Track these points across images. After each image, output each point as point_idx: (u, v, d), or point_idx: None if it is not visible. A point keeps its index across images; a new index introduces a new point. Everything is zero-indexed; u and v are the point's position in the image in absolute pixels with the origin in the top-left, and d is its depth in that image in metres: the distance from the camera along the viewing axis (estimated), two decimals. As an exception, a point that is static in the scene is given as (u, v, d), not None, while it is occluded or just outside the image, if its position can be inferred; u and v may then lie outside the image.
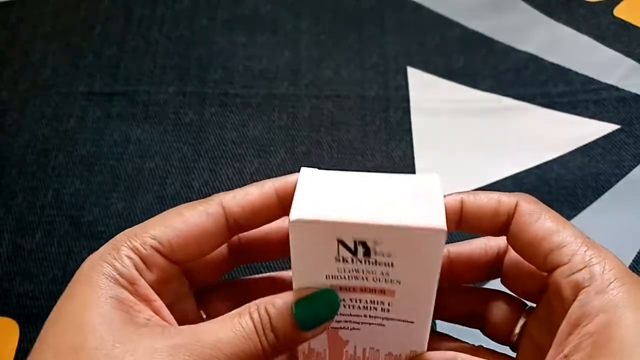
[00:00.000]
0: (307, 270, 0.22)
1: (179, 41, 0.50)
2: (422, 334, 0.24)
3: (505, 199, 0.24)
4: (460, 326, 0.28)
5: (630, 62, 0.47)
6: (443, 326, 0.29)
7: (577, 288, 0.21)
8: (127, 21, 0.51)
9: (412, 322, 0.24)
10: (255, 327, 0.22)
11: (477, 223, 0.25)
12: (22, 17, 0.52)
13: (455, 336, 0.27)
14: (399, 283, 0.22)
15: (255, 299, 0.23)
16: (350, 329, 0.24)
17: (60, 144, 0.44)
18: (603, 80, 0.47)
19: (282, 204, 0.24)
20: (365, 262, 0.22)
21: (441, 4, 0.52)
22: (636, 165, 0.42)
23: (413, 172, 0.43)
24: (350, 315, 0.24)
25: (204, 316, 0.27)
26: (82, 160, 0.43)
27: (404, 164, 0.43)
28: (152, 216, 0.24)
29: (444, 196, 0.23)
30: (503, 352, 0.26)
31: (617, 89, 0.46)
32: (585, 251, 0.22)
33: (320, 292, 0.23)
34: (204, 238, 0.24)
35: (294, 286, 0.23)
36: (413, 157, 0.43)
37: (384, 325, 0.24)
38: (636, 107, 0.45)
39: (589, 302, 0.21)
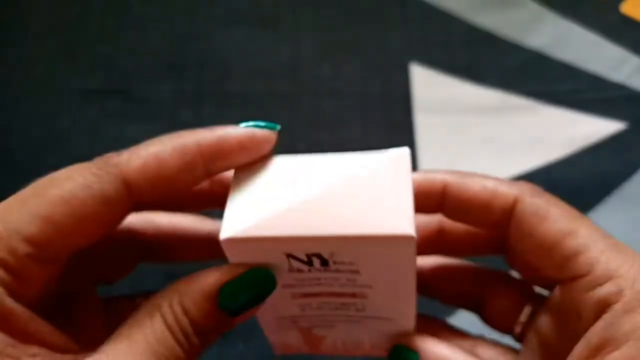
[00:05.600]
0: None
1: (176, 38, 0.49)
2: (407, 325, 0.22)
3: (503, 191, 0.20)
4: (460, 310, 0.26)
5: (637, 59, 0.47)
6: (436, 309, 0.26)
7: (601, 306, 0.17)
8: (122, 17, 0.50)
9: (393, 319, 0.21)
10: (172, 333, 0.17)
11: (463, 215, 0.21)
12: (15, 14, 0.51)
13: (454, 322, 0.25)
14: (370, 287, 0.19)
15: None
16: (325, 327, 0.22)
17: (54, 143, 0.43)
18: (610, 78, 0.46)
19: (210, 166, 0.19)
20: (325, 271, 0.18)
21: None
22: (644, 164, 0.41)
23: (415, 170, 0.42)
24: (321, 316, 0.21)
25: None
26: (77, 158, 0.42)
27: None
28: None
29: (424, 173, 0.20)
30: (508, 343, 0.23)
31: (625, 87, 0.45)
32: (609, 257, 0.18)
33: (250, 273, 0.18)
34: (98, 227, 0.18)
35: None
36: (416, 156, 0.43)
37: (360, 322, 0.21)
38: (644, 106, 0.44)
39: (616, 323, 0.17)
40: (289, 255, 0.18)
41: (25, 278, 0.17)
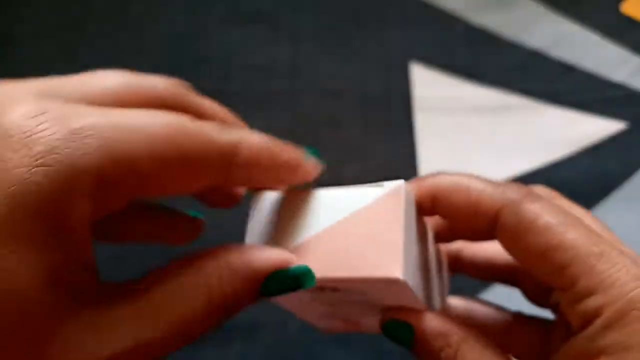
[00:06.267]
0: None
1: (175, 37, 0.49)
2: (436, 305, 0.22)
3: (486, 201, 0.20)
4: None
5: (637, 59, 0.47)
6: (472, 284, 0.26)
7: (584, 319, 0.17)
8: (122, 17, 0.50)
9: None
10: (210, 309, 0.17)
11: (454, 223, 0.21)
12: (15, 15, 0.51)
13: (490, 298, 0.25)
14: (383, 299, 0.20)
15: None
16: (357, 316, 0.23)
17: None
18: (610, 77, 0.46)
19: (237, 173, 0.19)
20: (335, 292, 0.20)
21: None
22: (644, 164, 0.41)
23: (415, 170, 0.42)
24: (350, 312, 0.23)
25: None
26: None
27: (407, 162, 0.43)
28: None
29: (416, 181, 0.21)
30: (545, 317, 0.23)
31: (625, 86, 0.45)
32: (593, 270, 0.17)
33: (297, 269, 0.18)
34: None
35: None
36: (415, 156, 0.43)
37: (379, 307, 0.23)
38: (644, 105, 0.44)
39: (594, 338, 0.17)
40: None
41: (108, 203, 0.16)
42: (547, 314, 0.24)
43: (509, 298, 0.26)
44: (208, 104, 0.21)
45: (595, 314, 0.17)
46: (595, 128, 0.43)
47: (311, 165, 0.20)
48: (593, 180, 0.41)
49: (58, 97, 0.17)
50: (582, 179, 0.41)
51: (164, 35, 0.49)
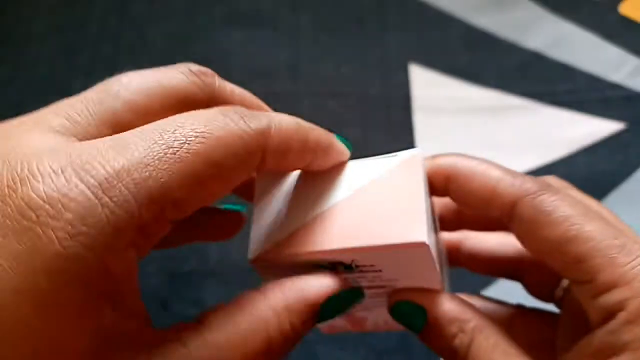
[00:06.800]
0: None
1: (176, 38, 0.49)
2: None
3: (503, 190, 0.19)
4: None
5: (635, 60, 0.47)
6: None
7: (605, 313, 0.17)
8: (123, 18, 0.50)
9: None
10: (270, 345, 0.17)
11: (467, 206, 0.20)
12: (16, 15, 0.51)
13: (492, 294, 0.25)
14: (396, 280, 0.20)
15: None
16: (364, 310, 0.23)
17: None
18: (608, 78, 0.46)
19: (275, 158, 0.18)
20: (349, 273, 0.19)
21: None
22: (642, 165, 0.41)
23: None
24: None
25: None
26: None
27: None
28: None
29: (432, 158, 0.20)
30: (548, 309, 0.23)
31: (623, 87, 0.45)
32: (612, 264, 0.17)
33: (350, 292, 0.18)
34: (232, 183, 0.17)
35: None
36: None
37: None
38: (642, 106, 0.44)
39: (618, 332, 0.17)
40: (314, 265, 0.18)
41: (152, 238, 0.15)
42: (550, 307, 0.24)
43: (511, 295, 0.25)
44: (235, 90, 0.21)
45: (618, 308, 0.17)
46: (593, 128, 0.43)
47: (342, 146, 0.20)
48: (591, 180, 0.41)
49: (76, 132, 0.16)
50: (581, 179, 0.40)
51: (165, 36, 0.49)
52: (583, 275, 0.17)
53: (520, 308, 0.24)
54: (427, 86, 0.46)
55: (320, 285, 0.18)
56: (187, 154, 0.15)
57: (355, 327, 0.24)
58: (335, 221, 0.18)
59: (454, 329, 0.19)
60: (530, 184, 0.19)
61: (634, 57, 0.47)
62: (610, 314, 0.17)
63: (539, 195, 0.19)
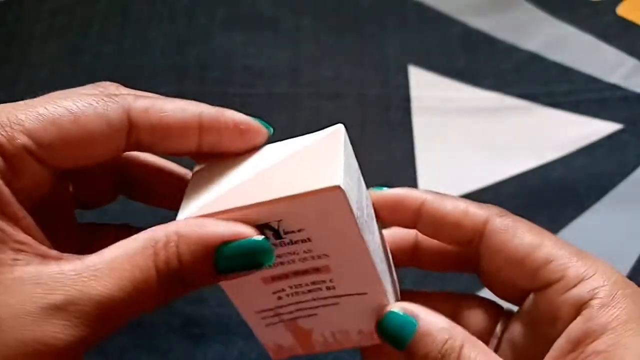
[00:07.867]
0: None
1: (177, 40, 0.49)
2: (383, 300, 0.22)
3: (474, 212, 0.22)
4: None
5: (633, 61, 0.47)
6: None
7: (577, 305, 0.19)
8: (125, 19, 0.51)
9: (365, 294, 0.21)
10: (157, 271, 0.17)
11: (436, 230, 0.22)
12: (19, 16, 0.51)
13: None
14: (328, 256, 0.20)
15: None
16: (308, 316, 0.23)
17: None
18: (606, 79, 0.46)
19: (203, 138, 0.20)
20: (280, 244, 0.19)
21: (442, 1, 0.51)
22: (639, 165, 0.41)
23: (413, 171, 0.42)
24: (299, 302, 0.22)
25: None
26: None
27: (405, 164, 0.43)
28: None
29: (406, 189, 0.22)
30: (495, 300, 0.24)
31: (621, 88, 0.46)
32: (577, 263, 0.20)
33: (252, 241, 0.18)
34: (96, 149, 0.19)
35: None
36: (414, 157, 0.43)
37: (338, 303, 0.22)
38: (639, 107, 0.44)
39: (594, 317, 0.19)
40: None
41: (19, 171, 0.17)
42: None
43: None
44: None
45: (590, 296, 0.19)
46: (591, 129, 0.44)
47: (259, 128, 0.21)
48: (589, 180, 0.41)
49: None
50: (578, 179, 0.41)
51: (166, 38, 0.49)
52: (551, 275, 0.20)
53: (467, 298, 0.25)
54: (425, 87, 0.47)
55: (218, 226, 0.18)
56: (48, 102, 0.18)
57: (303, 345, 0.24)
58: (259, 182, 0.19)
59: (443, 339, 0.20)
60: (493, 209, 0.22)
61: (632, 58, 0.47)
62: (583, 304, 0.19)
63: (505, 215, 0.22)
